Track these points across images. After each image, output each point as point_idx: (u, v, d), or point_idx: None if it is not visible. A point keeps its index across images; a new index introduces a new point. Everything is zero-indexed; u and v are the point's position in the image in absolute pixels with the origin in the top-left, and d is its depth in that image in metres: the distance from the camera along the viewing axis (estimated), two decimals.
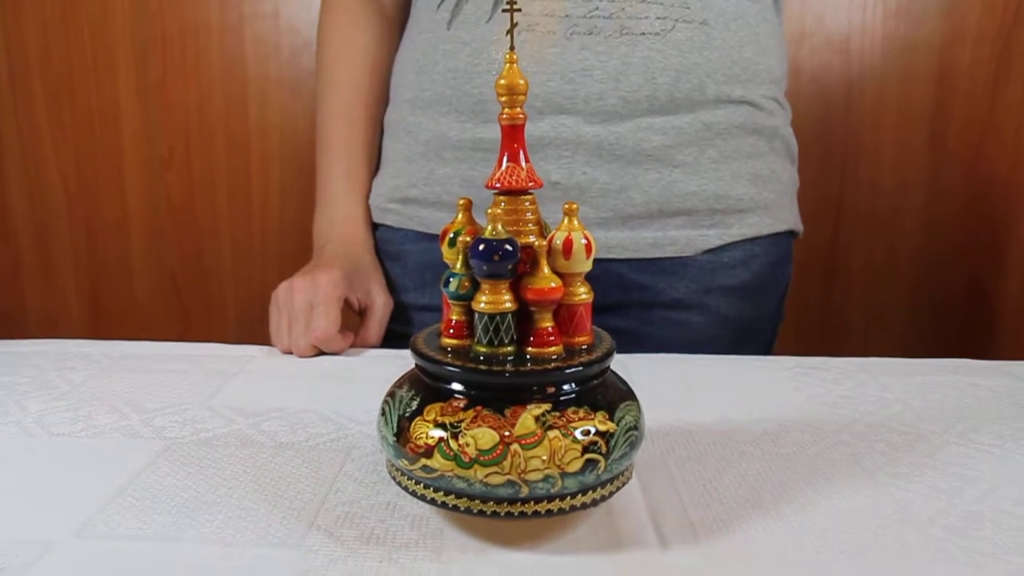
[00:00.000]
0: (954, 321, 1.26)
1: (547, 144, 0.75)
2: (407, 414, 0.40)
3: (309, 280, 0.76)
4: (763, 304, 0.85)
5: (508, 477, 0.38)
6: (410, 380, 0.43)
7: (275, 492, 0.47)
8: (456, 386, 0.40)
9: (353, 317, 0.82)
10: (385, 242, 0.87)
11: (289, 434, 0.56)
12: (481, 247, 0.39)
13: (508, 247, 0.39)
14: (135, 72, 1.25)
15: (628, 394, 0.43)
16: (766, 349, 0.88)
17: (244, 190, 1.29)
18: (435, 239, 0.83)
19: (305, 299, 0.75)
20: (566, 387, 0.40)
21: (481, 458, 0.38)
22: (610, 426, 0.40)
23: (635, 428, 0.42)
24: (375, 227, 0.89)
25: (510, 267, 0.39)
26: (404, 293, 0.86)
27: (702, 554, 0.41)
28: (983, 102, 1.17)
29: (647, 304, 0.80)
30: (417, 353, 0.41)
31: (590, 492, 0.40)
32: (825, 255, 1.25)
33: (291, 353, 0.75)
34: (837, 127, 1.21)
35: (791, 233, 0.87)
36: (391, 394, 0.43)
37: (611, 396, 0.42)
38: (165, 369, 0.69)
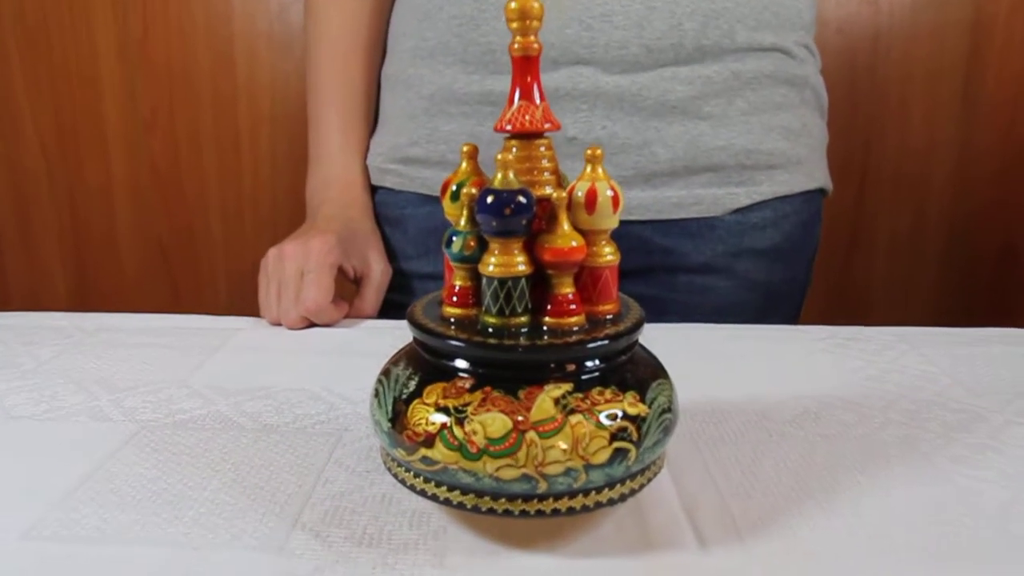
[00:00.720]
0: (985, 289, 1.19)
1: (563, 96, 0.68)
2: (404, 396, 0.35)
3: (300, 246, 0.70)
4: (793, 268, 0.79)
5: (523, 470, 0.32)
6: (407, 356, 0.37)
7: (256, 483, 0.41)
8: (461, 363, 0.34)
9: (348, 286, 0.76)
10: (384, 206, 0.81)
11: (274, 416, 0.50)
12: (489, 199, 0.33)
13: (521, 199, 0.33)
14: (115, 29, 1.18)
15: (660, 371, 0.37)
16: (794, 316, 0.82)
17: (233, 155, 1.22)
18: (438, 202, 0.76)
19: (295, 266, 0.69)
20: (590, 364, 0.34)
21: (491, 448, 0.32)
22: (641, 409, 0.34)
23: (669, 411, 0.36)
24: (373, 190, 0.82)
25: (524, 223, 0.33)
26: (405, 261, 0.79)
27: (747, 555, 0.36)
28: (1021, 54, 1.10)
29: (670, 269, 0.74)
30: (415, 324, 0.35)
31: (618, 486, 0.34)
32: (849, 218, 1.18)
33: (280, 325, 0.69)
34: (863, 83, 1.14)
35: (821, 191, 0.81)
36: (385, 372, 0.37)
37: (641, 374, 0.36)
38: (143, 343, 0.63)
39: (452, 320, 0.35)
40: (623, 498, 0.35)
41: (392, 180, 0.79)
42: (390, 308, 0.76)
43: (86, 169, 1.23)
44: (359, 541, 0.36)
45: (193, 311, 0.74)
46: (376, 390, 0.37)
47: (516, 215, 0.33)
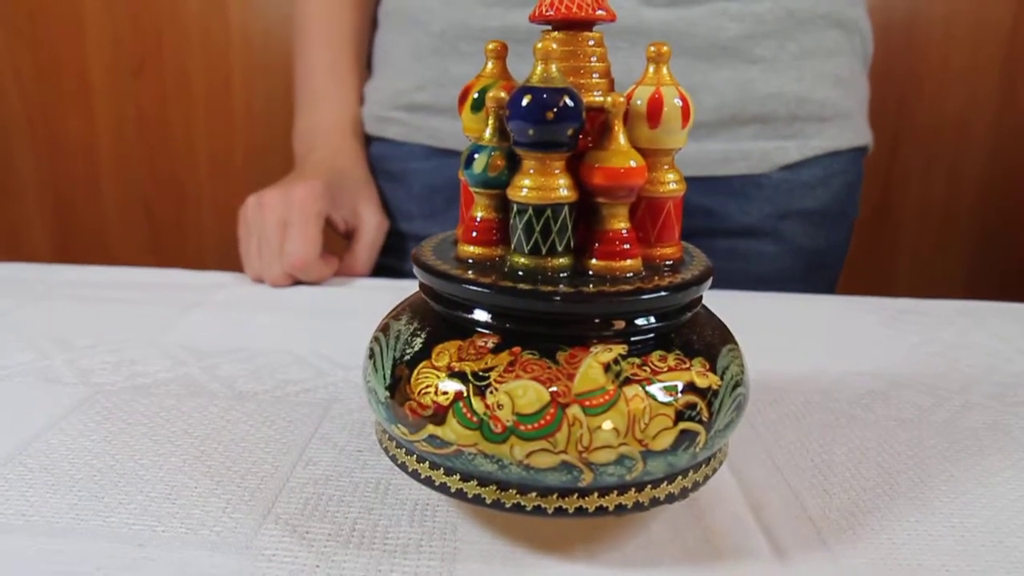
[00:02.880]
0: (1021, 261, 1.11)
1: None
2: (407, 357, 0.27)
3: (282, 194, 0.62)
4: (837, 232, 0.71)
5: (563, 457, 0.24)
6: (411, 308, 0.29)
7: (222, 462, 0.34)
8: (481, 315, 0.26)
9: (339, 242, 0.68)
10: (384, 159, 0.72)
11: (252, 381, 0.42)
12: (525, 100, 0.25)
13: (568, 100, 0.25)
14: None
15: (728, 334, 0.30)
16: (832, 285, 0.74)
17: (224, 104, 1.13)
18: (448, 155, 0.68)
19: (277, 216, 0.61)
20: (648, 321, 0.26)
21: (522, 427, 0.24)
22: (712, 380, 0.26)
23: (742, 384, 0.28)
24: (370, 141, 0.74)
25: (570, 133, 0.25)
26: (407, 221, 0.71)
27: (836, 567, 0.28)
28: None
29: (709, 232, 0.66)
30: (422, 266, 0.28)
31: (679, 478, 0.27)
32: (879, 178, 1.10)
33: (263, 282, 0.61)
34: (898, 41, 1.05)
35: (865, 149, 0.73)
36: (383, 328, 0.29)
37: (709, 337, 0.28)
38: (112, 298, 0.56)
39: (471, 261, 0.28)
40: (684, 494, 0.27)
41: (394, 130, 0.71)
42: (386, 274, 0.68)
43: (68, 119, 1.15)
44: (346, 540, 0.29)
45: (179, 266, 0.66)
46: (371, 350, 0.29)
47: (560, 121, 0.25)
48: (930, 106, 1.08)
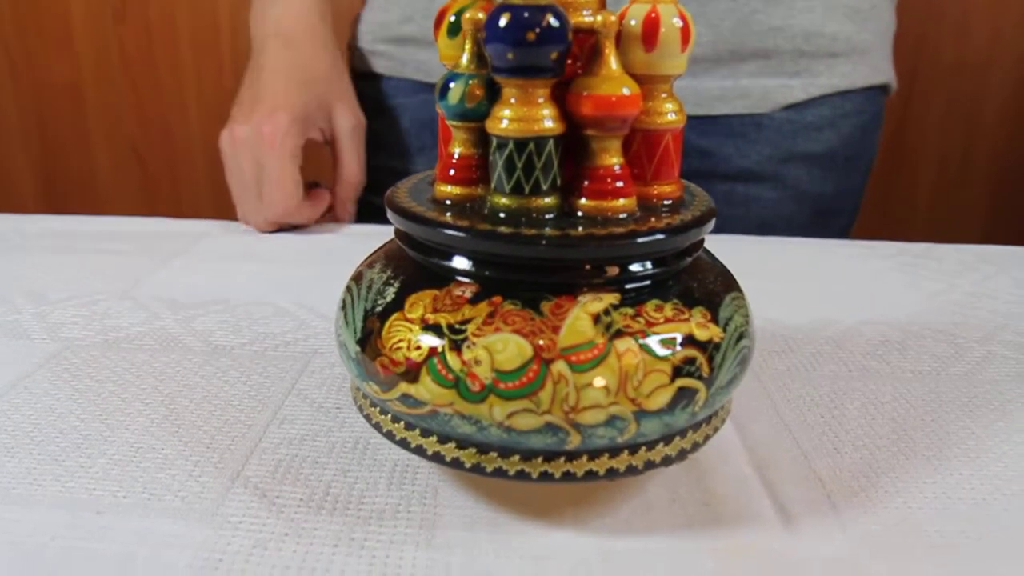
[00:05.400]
0: None
1: None
2: (378, 308, 0.24)
3: (252, 131, 0.57)
4: (849, 178, 0.68)
5: (547, 418, 0.22)
6: (386, 255, 0.27)
7: (192, 421, 0.32)
8: (459, 262, 0.24)
9: (322, 151, 0.64)
10: (373, 94, 0.69)
11: (230, 334, 0.40)
12: (503, 20, 0.22)
13: (552, 19, 0.22)
14: None
15: (732, 281, 0.27)
16: (844, 233, 0.71)
17: (212, 45, 1.09)
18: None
19: (251, 158, 0.57)
20: (643, 267, 0.24)
21: (501, 385, 0.22)
22: (714, 332, 0.24)
23: (746, 336, 0.26)
24: (357, 76, 0.70)
25: (554, 57, 0.22)
26: (396, 158, 0.68)
27: (845, 534, 0.26)
28: None
29: (706, 175, 0.63)
30: (395, 209, 0.25)
31: (677, 439, 0.24)
32: (896, 114, 1.06)
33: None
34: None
35: (885, 88, 0.69)
36: (356, 277, 0.27)
37: (711, 284, 0.26)
38: (91, 249, 0.53)
39: (448, 202, 0.25)
40: (682, 455, 0.25)
41: (382, 64, 0.67)
42: (377, 214, 0.65)
43: (52, 64, 1.11)
44: (319, 506, 0.27)
45: (172, 210, 0.64)
46: (343, 300, 0.26)
47: (543, 44, 0.22)
48: (952, 41, 1.03)
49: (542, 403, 0.22)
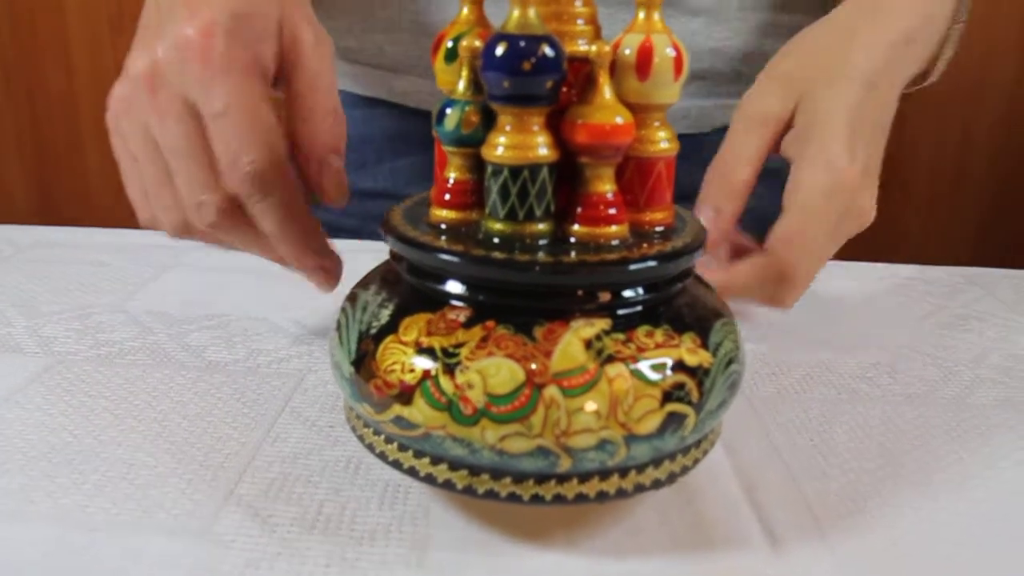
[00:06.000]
0: None
1: None
2: (373, 330, 0.25)
3: (170, 43, 0.34)
4: (777, 192, 0.67)
5: (539, 442, 0.22)
6: (381, 278, 0.27)
7: (185, 438, 0.32)
8: (453, 286, 0.24)
9: None
10: None
11: (223, 350, 0.40)
12: (500, 49, 0.22)
13: (547, 49, 0.22)
14: None
15: (722, 307, 0.28)
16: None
17: None
18: (374, 105, 0.62)
19: (177, 99, 0.33)
20: (634, 293, 0.24)
21: (494, 409, 0.22)
22: (703, 357, 0.24)
23: (736, 361, 0.26)
24: None
25: (549, 86, 0.23)
26: None
27: (833, 557, 0.26)
28: None
29: None
30: (391, 232, 0.25)
31: (666, 463, 0.25)
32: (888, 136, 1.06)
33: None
34: None
35: None
36: (351, 298, 0.27)
37: (701, 310, 0.26)
38: (83, 261, 0.53)
39: (443, 226, 0.25)
40: (672, 479, 0.25)
41: None
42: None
43: (47, 73, 1.11)
44: (311, 525, 0.27)
45: None
46: (338, 322, 0.27)
47: (538, 73, 0.22)
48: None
49: (534, 427, 0.22)
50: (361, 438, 0.27)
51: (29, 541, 0.26)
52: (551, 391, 0.22)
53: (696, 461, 0.26)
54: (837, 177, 0.34)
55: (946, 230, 1.12)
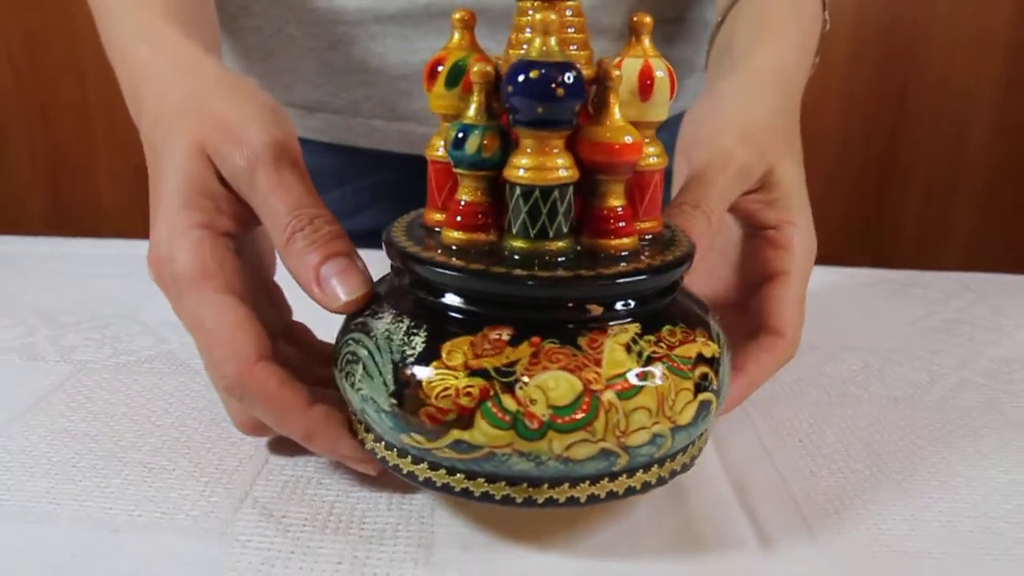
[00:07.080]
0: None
1: (422, 15, 0.53)
2: (410, 359, 0.25)
3: (159, 256, 0.32)
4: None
5: (602, 445, 0.24)
6: (396, 303, 0.27)
7: (202, 443, 0.33)
8: (492, 307, 0.25)
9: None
10: None
11: None
12: (530, 76, 0.23)
13: (575, 76, 0.24)
14: None
15: (704, 303, 0.30)
16: None
17: None
18: (311, 146, 0.60)
19: (186, 307, 0.32)
20: (657, 298, 0.27)
21: (559, 420, 0.23)
22: (714, 348, 0.27)
23: (729, 348, 0.29)
24: None
25: (575, 110, 0.24)
26: None
27: (820, 556, 0.28)
28: None
29: None
30: (410, 257, 0.26)
31: (690, 448, 0.27)
32: (880, 162, 1.08)
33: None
34: (905, 18, 1.02)
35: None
36: (363, 328, 0.27)
37: (696, 307, 0.28)
38: (99, 273, 0.54)
39: (454, 248, 0.26)
40: (692, 462, 0.28)
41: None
42: None
43: (60, 83, 1.13)
44: (323, 525, 0.28)
45: None
46: (356, 355, 0.26)
47: (569, 99, 0.24)
48: (940, 60, 1.05)
49: (597, 432, 0.24)
50: (403, 472, 0.26)
51: (56, 541, 0.27)
52: (608, 396, 0.24)
53: (700, 449, 0.28)
54: (814, 243, 0.36)
55: (940, 233, 1.13)
